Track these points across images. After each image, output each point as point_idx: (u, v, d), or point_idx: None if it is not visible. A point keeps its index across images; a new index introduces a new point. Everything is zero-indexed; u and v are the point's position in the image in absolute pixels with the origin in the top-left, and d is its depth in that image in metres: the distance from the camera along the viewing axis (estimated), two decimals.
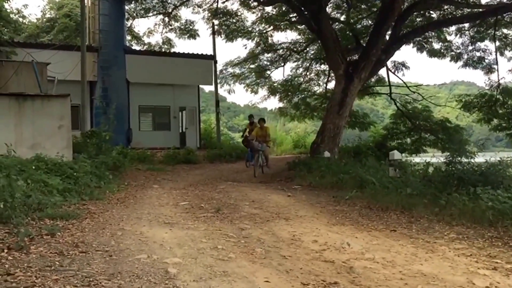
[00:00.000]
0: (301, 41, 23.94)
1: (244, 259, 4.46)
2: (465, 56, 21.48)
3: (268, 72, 25.18)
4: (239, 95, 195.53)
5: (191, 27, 22.97)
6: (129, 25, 24.50)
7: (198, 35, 23.13)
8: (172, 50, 25.31)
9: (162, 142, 21.14)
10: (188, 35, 22.98)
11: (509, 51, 20.79)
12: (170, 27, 23.35)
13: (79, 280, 3.54)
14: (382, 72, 21.54)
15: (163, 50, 25.22)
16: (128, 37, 25.31)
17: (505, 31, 19.99)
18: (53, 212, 5.96)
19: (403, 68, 22.15)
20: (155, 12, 22.93)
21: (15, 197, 5.65)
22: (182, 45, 60.61)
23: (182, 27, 23.06)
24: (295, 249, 5.00)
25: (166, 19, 23.04)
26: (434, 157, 11.29)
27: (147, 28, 53.45)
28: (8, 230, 4.94)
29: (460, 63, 21.74)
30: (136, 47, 26.94)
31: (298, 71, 25.23)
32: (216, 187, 10.65)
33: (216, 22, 22.80)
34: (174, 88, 22.76)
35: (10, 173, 6.51)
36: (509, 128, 19.80)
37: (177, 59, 22.71)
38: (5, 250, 4.25)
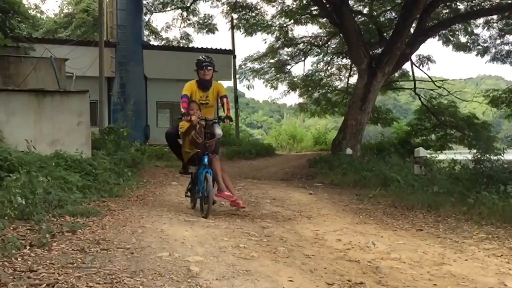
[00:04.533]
0: (322, 34, 23.78)
1: (267, 258, 4.36)
2: (493, 50, 21.05)
3: (288, 67, 25.05)
4: (258, 91, 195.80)
5: (209, 21, 22.96)
6: (147, 20, 24.59)
7: (217, 30, 23.11)
8: (190, 45, 25.35)
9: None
10: (206, 29, 22.98)
11: None
12: (188, 21, 23.41)
13: (101, 277, 3.48)
14: (406, 66, 21.22)
15: (181, 45, 25.24)
16: (146, 32, 25.43)
17: None
18: (74, 209, 5.92)
19: (428, 62, 21.84)
20: (173, 7, 22.95)
21: (36, 194, 5.63)
22: (201, 40, 61.03)
23: (200, 21, 23.07)
24: (319, 248, 4.89)
25: (184, 13, 23.04)
26: (457, 154, 11.11)
27: (165, 23, 53.50)
28: (30, 227, 4.91)
29: (487, 57, 21.32)
30: (154, 42, 27.15)
31: (319, 65, 25.09)
32: (236, 185, 10.54)
33: (235, 16, 22.75)
34: None
35: (31, 170, 6.50)
36: None
37: (195, 54, 22.42)
38: (27, 247, 4.21)
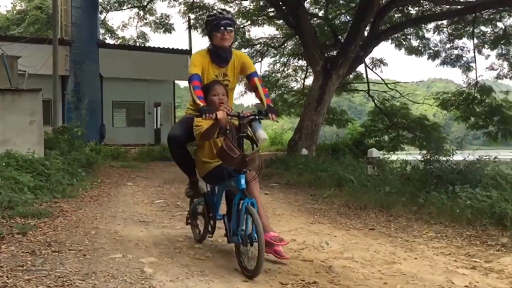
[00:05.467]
0: (278, 36, 23.99)
1: (222, 258, 4.37)
2: (443, 54, 21.76)
3: None
4: None
5: (166, 21, 22.87)
6: (102, 18, 24.21)
7: (174, 29, 23.12)
8: (147, 44, 25.14)
9: (136, 139, 20.89)
10: (163, 29, 22.84)
11: (487, 49, 21.12)
12: (145, 20, 23.26)
13: (52, 280, 3.41)
14: (360, 68, 21.69)
15: (137, 44, 24.98)
16: (102, 31, 25.00)
17: (483, 28, 20.32)
18: (24, 210, 5.77)
19: (381, 65, 22.40)
20: (129, 5, 22.73)
21: None
22: (157, 40, 60.53)
23: (157, 21, 22.95)
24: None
25: (141, 12, 22.84)
26: (409, 155, 11.39)
27: (121, 22, 52.85)
28: None
29: (437, 61, 22.02)
30: (110, 41, 26.75)
31: (275, 66, 25.35)
32: None
33: (192, 16, 22.67)
34: (149, 83, 22.51)
35: None
36: (486, 126, 20.09)
37: (152, 53, 22.46)
38: None
